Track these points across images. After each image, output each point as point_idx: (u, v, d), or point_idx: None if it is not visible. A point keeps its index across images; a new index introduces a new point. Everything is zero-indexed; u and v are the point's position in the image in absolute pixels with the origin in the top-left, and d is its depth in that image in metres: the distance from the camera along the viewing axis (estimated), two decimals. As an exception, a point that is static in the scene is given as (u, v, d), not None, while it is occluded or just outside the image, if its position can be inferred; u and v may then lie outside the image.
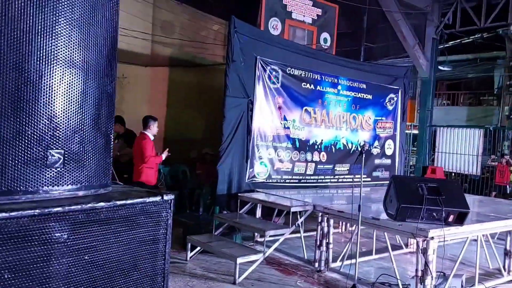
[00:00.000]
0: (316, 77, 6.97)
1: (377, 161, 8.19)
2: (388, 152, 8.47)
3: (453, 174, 13.47)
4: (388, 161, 8.50)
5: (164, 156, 5.69)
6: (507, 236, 5.44)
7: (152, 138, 5.57)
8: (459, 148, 13.49)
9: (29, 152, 1.78)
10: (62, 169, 1.84)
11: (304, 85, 6.82)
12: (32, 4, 1.72)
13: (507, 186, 11.54)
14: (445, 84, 21.95)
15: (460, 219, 4.44)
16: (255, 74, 6.20)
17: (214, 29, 9.13)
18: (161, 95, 8.73)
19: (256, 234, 6.09)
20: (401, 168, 8.95)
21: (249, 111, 6.14)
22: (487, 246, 5.43)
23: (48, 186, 1.84)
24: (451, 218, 4.43)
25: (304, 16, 8.07)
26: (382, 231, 4.84)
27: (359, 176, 8.05)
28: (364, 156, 4.74)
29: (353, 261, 4.70)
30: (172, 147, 8.90)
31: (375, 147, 8.18)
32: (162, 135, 8.86)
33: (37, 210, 1.67)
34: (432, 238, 4.20)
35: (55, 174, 1.85)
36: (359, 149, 7.85)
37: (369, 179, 8.06)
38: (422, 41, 13.03)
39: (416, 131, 14.52)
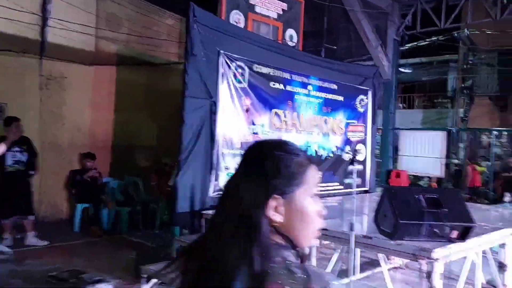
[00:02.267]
0: (285, 76, 6.25)
1: (349, 167, 7.57)
2: (360, 157, 7.90)
3: (411, 176, 13.23)
4: (360, 167, 7.91)
5: None
6: (500, 248, 4.93)
7: None
8: (422, 151, 13.29)
9: None
10: None
11: (273, 84, 6.07)
12: None
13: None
14: (401, 87, 22.10)
15: (464, 235, 3.84)
16: (218, 71, 5.37)
17: (167, 24, 8.22)
18: (108, 98, 7.70)
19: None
20: (373, 174, 8.42)
21: (213, 114, 5.30)
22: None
23: None
24: (454, 234, 3.80)
25: (268, 10, 7.35)
26: (375, 251, 4.16)
27: (332, 184, 7.45)
28: (351, 163, 4.06)
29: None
30: (121, 156, 7.91)
31: (347, 152, 7.56)
32: (110, 143, 7.83)
33: None
34: (437, 259, 3.55)
35: None
36: (331, 156, 7.22)
37: (341, 187, 7.43)
38: (384, 43, 12.73)
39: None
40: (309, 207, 0.95)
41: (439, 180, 13.10)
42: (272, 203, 0.90)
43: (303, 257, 0.94)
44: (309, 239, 0.96)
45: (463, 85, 18.61)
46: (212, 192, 5.33)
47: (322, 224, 0.96)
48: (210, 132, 5.27)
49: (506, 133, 14.63)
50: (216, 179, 5.36)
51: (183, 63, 5.14)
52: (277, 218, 0.91)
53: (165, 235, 6.05)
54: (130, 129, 7.92)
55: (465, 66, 18.57)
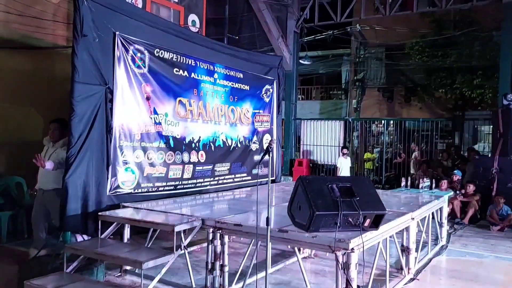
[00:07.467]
0: (190, 62, 5.82)
1: (256, 158, 7.43)
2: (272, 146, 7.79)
3: (310, 164, 13.61)
4: (267, 157, 7.79)
5: None
6: (403, 232, 5.12)
7: None
8: (322, 140, 13.77)
9: None
10: None
11: (176, 71, 5.61)
12: None
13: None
14: (299, 80, 22.81)
15: (376, 222, 3.84)
16: (114, 55, 4.78)
17: (53, 3, 7.25)
18: (-20, 86, 6.56)
19: (125, 261, 4.70)
20: (279, 163, 8.39)
21: (108, 103, 4.70)
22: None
23: None
24: (367, 222, 3.79)
25: (168, -8, 6.85)
26: (291, 245, 4.00)
27: (239, 175, 7.22)
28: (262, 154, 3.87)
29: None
30: (0, 154, 6.82)
31: (254, 143, 7.41)
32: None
33: None
34: (353, 250, 3.48)
35: None
36: (239, 146, 6.99)
37: (249, 177, 7.26)
38: (285, 34, 12.85)
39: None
40: None
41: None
42: None
43: None
44: None
45: (355, 78, 19.73)
46: (109, 191, 4.75)
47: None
48: (105, 122, 4.67)
49: (392, 122, 15.73)
50: (114, 176, 4.79)
51: (73, 40, 4.45)
52: None
53: (55, 240, 5.30)
54: (10, 121, 6.85)
55: (357, 60, 19.70)
